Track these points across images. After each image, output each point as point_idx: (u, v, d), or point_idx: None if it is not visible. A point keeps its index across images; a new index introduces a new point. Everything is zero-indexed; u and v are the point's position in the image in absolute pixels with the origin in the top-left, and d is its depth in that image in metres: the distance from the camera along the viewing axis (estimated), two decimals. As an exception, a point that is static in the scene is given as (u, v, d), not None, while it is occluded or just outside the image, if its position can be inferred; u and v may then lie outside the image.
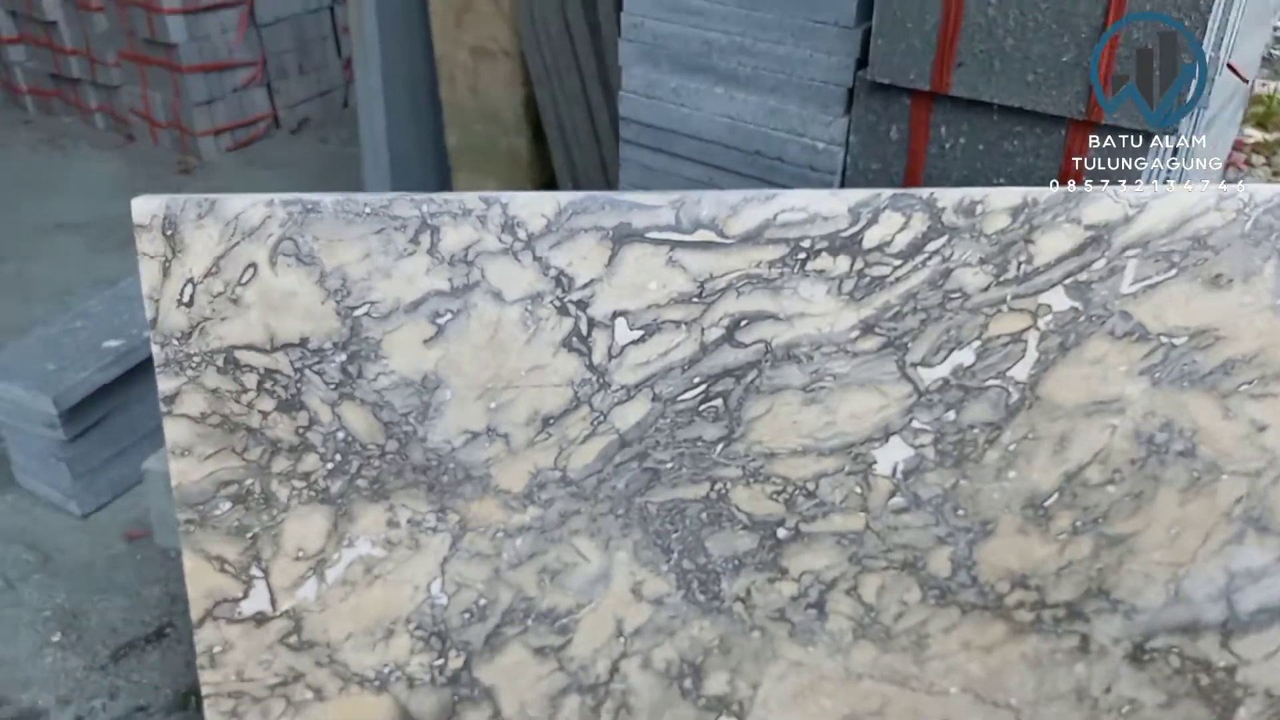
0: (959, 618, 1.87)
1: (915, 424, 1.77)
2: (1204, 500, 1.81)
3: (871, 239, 1.69)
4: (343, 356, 1.71)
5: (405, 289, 1.69)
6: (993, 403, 1.76)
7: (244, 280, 1.68)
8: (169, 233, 1.66)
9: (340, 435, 1.75)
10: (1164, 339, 1.73)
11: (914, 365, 1.74)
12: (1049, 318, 1.72)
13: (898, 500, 1.81)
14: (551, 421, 1.75)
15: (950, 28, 1.84)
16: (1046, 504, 1.81)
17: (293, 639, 1.85)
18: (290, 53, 5.44)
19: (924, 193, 1.68)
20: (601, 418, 1.75)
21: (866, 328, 1.72)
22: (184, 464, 1.77)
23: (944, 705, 1.91)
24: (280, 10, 5.31)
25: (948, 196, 1.68)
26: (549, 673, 1.88)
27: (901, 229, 1.68)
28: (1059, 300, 1.71)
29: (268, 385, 1.73)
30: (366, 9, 3.37)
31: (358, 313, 1.70)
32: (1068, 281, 1.71)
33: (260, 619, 1.84)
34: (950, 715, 1.92)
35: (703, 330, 1.71)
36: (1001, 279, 1.70)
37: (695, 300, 1.70)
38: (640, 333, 1.71)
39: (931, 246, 1.69)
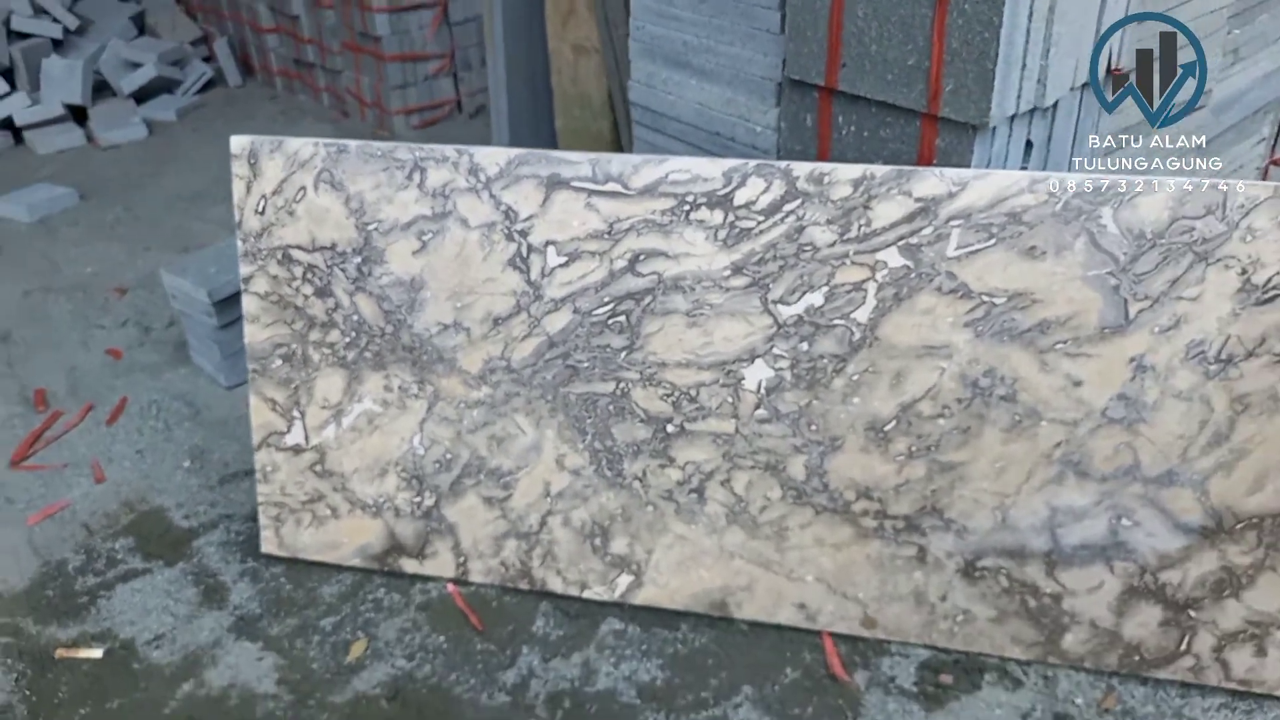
0: (813, 517, 2.30)
1: (775, 350, 2.22)
2: (1025, 442, 2.14)
3: (740, 198, 2.16)
4: (358, 259, 2.40)
5: (401, 212, 2.35)
6: (839, 338, 2.18)
7: (297, 198, 2.40)
8: (252, 161, 2.41)
9: (355, 318, 2.44)
10: (985, 298, 2.09)
11: (774, 302, 2.19)
12: (885, 272, 2.13)
13: (761, 412, 2.26)
14: (500, 321, 2.35)
15: (834, 35, 2.25)
16: (886, 429, 2.21)
17: (318, 467, 2.57)
18: (474, 47, 6.34)
19: (782, 164, 2.13)
20: (536, 322, 2.33)
21: (736, 269, 2.19)
22: (253, 328, 2.52)
23: (801, 590, 2.34)
24: (469, 11, 6.21)
25: (801, 168, 2.13)
26: (494, 518, 2.49)
27: (764, 191, 2.15)
28: (894, 258, 2.12)
29: (309, 276, 2.44)
30: (495, 12, 4.11)
31: (370, 228, 2.37)
32: (900, 243, 2.11)
33: (297, 449, 2.57)
34: (807, 599, 2.35)
35: (611, 260, 2.26)
36: (845, 237, 2.13)
37: (606, 237, 2.25)
38: (565, 259, 2.28)
39: (788, 207, 2.14)
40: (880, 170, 2.10)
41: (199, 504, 2.93)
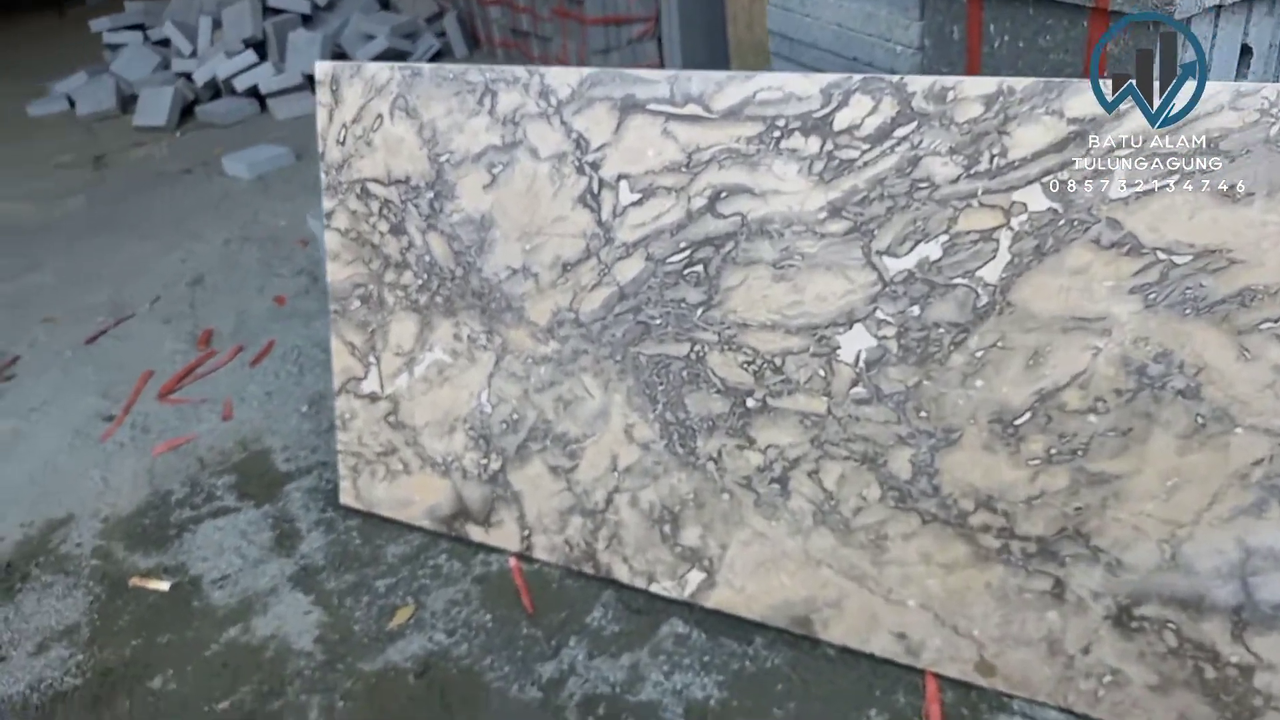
0: (919, 526, 1.85)
1: (879, 314, 1.79)
2: (1211, 454, 1.59)
3: (841, 121, 1.75)
4: (431, 194, 2.20)
5: (472, 142, 2.12)
6: (960, 303, 1.72)
7: (375, 127, 2.24)
8: (334, 88, 2.27)
9: (427, 258, 2.25)
10: (1162, 255, 1.56)
11: (879, 253, 1.76)
12: (1024, 217, 1.64)
13: (859, 390, 1.84)
14: (569, 268, 2.07)
15: (981, -87, 1.75)
16: (1017, 423, 1.72)
17: (392, 418, 2.41)
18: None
19: (895, 77, 1.70)
20: (606, 270, 2.03)
21: (834, 210, 1.78)
22: (334, 266, 2.39)
23: (902, 616, 1.90)
24: (677, -28, 5.97)
25: (919, 82, 1.68)
26: (560, 490, 2.22)
27: (871, 113, 1.72)
28: (1036, 199, 1.63)
29: (385, 212, 2.28)
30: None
31: (441, 159, 2.17)
32: (1046, 180, 1.62)
33: (373, 397, 2.43)
34: (909, 628, 1.90)
35: (689, 199, 1.91)
36: (972, 171, 1.66)
37: (684, 170, 1.90)
38: (639, 195, 1.96)
39: (900, 132, 1.71)
40: (1021, 83, 1.61)
41: (303, 448, 2.88)
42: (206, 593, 2.38)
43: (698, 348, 1.98)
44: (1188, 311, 1.56)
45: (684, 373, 2.01)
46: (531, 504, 2.27)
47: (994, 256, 1.67)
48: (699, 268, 1.93)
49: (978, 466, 1.77)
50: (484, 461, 2.31)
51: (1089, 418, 1.66)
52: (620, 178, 1.97)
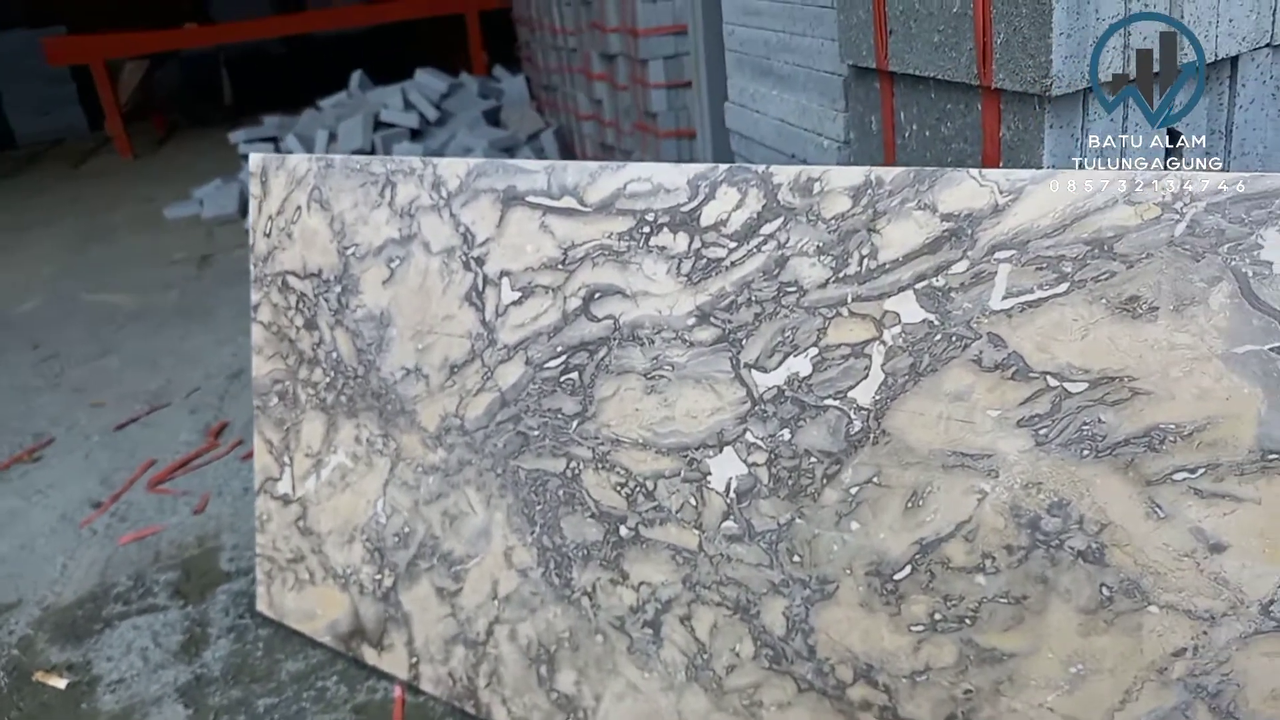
0: (794, 694, 1.55)
1: (749, 436, 1.55)
2: (1121, 637, 1.26)
3: (709, 216, 1.56)
4: (339, 288, 2.12)
5: (374, 235, 2.03)
6: (831, 428, 1.46)
7: (294, 219, 2.19)
8: (263, 179, 2.25)
9: (334, 354, 2.15)
10: (1052, 380, 1.27)
11: (748, 366, 1.54)
12: (896, 329, 1.39)
13: (731, 525, 1.59)
14: (456, 369, 1.93)
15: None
16: (897, 578, 1.43)
17: (301, 523, 2.29)
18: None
19: (760, 167, 1.50)
20: (489, 373, 1.87)
21: (703, 316, 1.58)
22: (258, 361, 2.33)
23: (780, 806, 1.58)
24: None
25: (785, 173, 1.48)
26: (445, 615, 2.02)
27: (737, 206, 1.53)
28: (909, 309, 1.38)
29: (300, 305, 2.21)
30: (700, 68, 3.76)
31: (349, 252, 2.09)
32: (920, 285, 1.37)
33: (286, 500, 2.32)
34: (787, 823, 1.58)
35: (565, 298, 1.74)
36: (841, 274, 1.43)
37: (560, 267, 1.74)
38: (519, 294, 1.81)
39: (767, 229, 1.50)
40: (890, 174, 1.39)
41: (253, 548, 2.79)
42: (98, 696, 2.27)
43: (573, 464, 1.77)
44: (1085, 453, 1.25)
45: (560, 491, 1.80)
46: (420, 628, 2.07)
47: (866, 375, 1.42)
48: (575, 375, 1.75)
49: (856, 628, 1.47)
50: (378, 577, 2.14)
51: (976, 578, 1.35)
52: (503, 274, 1.83)
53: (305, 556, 2.29)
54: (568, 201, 1.72)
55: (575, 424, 1.76)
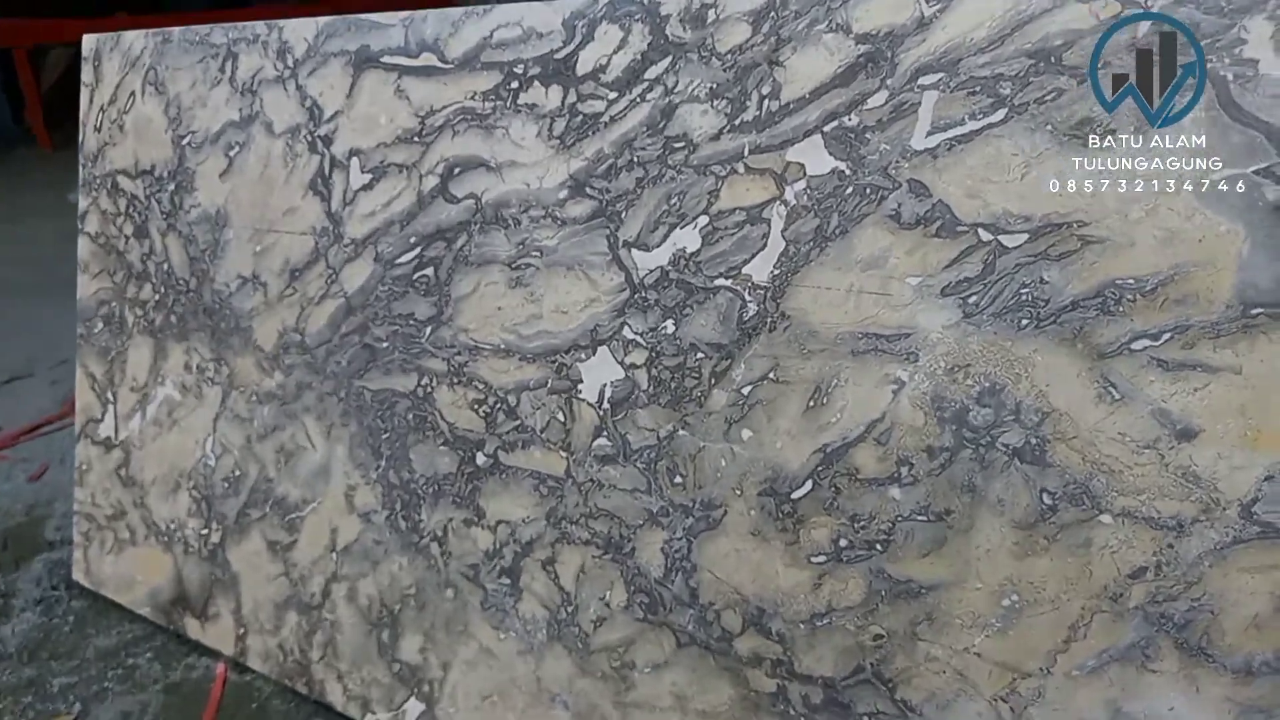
0: (673, 651, 1.31)
1: (627, 331, 1.32)
2: (1066, 558, 1.03)
3: (586, 62, 1.34)
4: (172, 186, 1.87)
5: (212, 119, 1.79)
6: (721, 314, 1.24)
7: (127, 108, 1.94)
8: (96, 64, 2.00)
9: (165, 266, 1.89)
10: (985, 234, 1.06)
11: (627, 245, 1.31)
12: (800, 184, 1.17)
13: (603, 443, 1.35)
14: (297, 274, 1.68)
15: None
16: (795, 496, 1.20)
17: (122, 471, 2.01)
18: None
19: (645, -4, 1.28)
20: (334, 276, 1.63)
21: (577, 186, 1.35)
22: (83, 280, 2.06)
23: (653, 794, 1.33)
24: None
25: (674, 1, 1.26)
26: (277, 575, 1.75)
27: (619, 48, 1.31)
28: (816, 157, 1.16)
29: (131, 211, 1.95)
30: None
31: (184, 142, 1.84)
32: (829, 127, 1.15)
33: (108, 444, 2.04)
34: (661, 815, 1.33)
35: (420, 177, 1.51)
36: (738, 121, 1.21)
37: (416, 140, 1.51)
38: (369, 176, 1.57)
39: (652, 72, 1.28)
40: (798, -9, 1.17)
41: (84, 518, 2.50)
42: None
43: (425, 380, 1.53)
44: (1024, 323, 1.04)
45: (410, 415, 1.55)
46: (249, 591, 1.80)
47: (764, 245, 1.20)
48: (429, 271, 1.51)
49: (746, 563, 1.24)
50: (204, 531, 1.87)
51: (890, 491, 1.13)
52: (352, 154, 1.59)
53: (126, 512, 2.01)
54: (426, 59, 1.49)
55: (429, 331, 1.52)
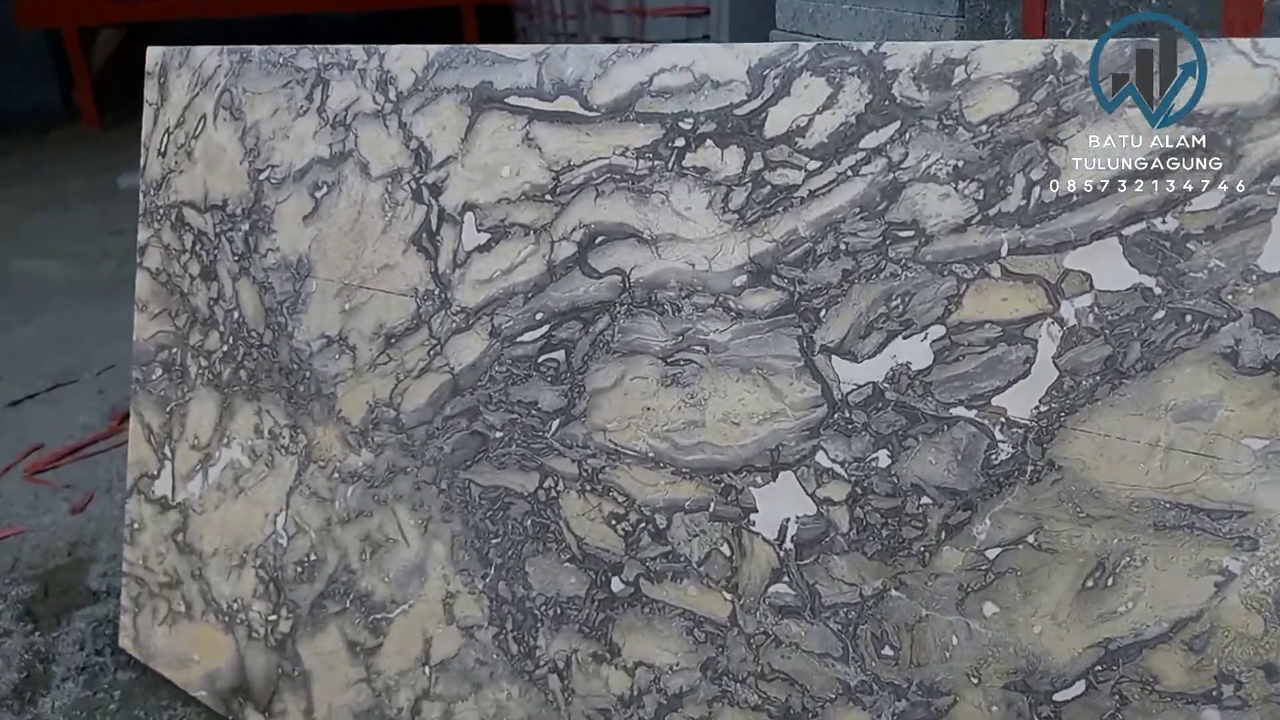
0: None
1: (823, 458, 1.02)
2: None
3: (778, 122, 1.03)
4: (246, 225, 1.58)
5: (296, 153, 1.50)
6: (960, 451, 0.94)
7: (196, 132, 1.65)
8: (162, 80, 1.71)
9: (236, 314, 1.61)
10: (1372, 394, 0.75)
11: (827, 351, 1.01)
12: (1085, 300, 0.87)
13: (783, 590, 1.06)
14: (394, 340, 1.39)
15: None
16: (1059, 698, 0.90)
17: (180, 537, 1.73)
18: None
19: (865, 45, 0.98)
20: (438, 347, 1.33)
21: (760, 272, 1.05)
22: (141, 319, 1.78)
23: None
24: None
25: (906, 53, 0.96)
26: (357, 680, 1.47)
27: (824, 107, 1.00)
28: (1111, 268, 0.86)
29: (198, 248, 1.66)
30: None
31: (262, 176, 1.55)
32: (1132, 230, 0.85)
33: (164, 504, 1.76)
34: None
35: (553, 244, 1.21)
36: (993, 212, 0.91)
37: (548, 199, 1.21)
38: (487, 235, 1.27)
39: (871, 141, 0.98)
40: (1086, 49, 0.87)
41: (132, 563, 2.23)
42: (-113, 752, 1.70)
43: (550, 482, 1.24)
44: None
45: (529, 521, 1.26)
46: (323, 694, 1.52)
47: (1027, 372, 0.90)
48: (559, 354, 1.22)
49: (979, 768, 0.94)
50: (273, 618, 1.59)
51: (1205, 713, 0.83)
52: (466, 208, 1.29)
53: (183, 581, 1.73)
54: (565, 103, 1.19)
55: (556, 425, 1.22)
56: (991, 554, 0.92)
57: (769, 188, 1.04)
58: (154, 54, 1.73)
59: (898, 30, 1.59)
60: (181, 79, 1.68)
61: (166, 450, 1.75)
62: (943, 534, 0.95)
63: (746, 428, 1.07)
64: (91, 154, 7.93)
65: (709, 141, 1.08)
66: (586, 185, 1.18)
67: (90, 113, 8.82)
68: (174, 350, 1.72)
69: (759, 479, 1.06)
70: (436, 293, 1.33)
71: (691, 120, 1.09)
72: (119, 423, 3.09)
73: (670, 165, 1.11)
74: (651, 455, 1.14)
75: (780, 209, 1.03)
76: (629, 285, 1.15)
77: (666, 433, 1.13)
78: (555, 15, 7.37)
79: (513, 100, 1.24)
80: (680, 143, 1.10)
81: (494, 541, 1.30)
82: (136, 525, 1.82)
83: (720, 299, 1.08)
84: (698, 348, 1.10)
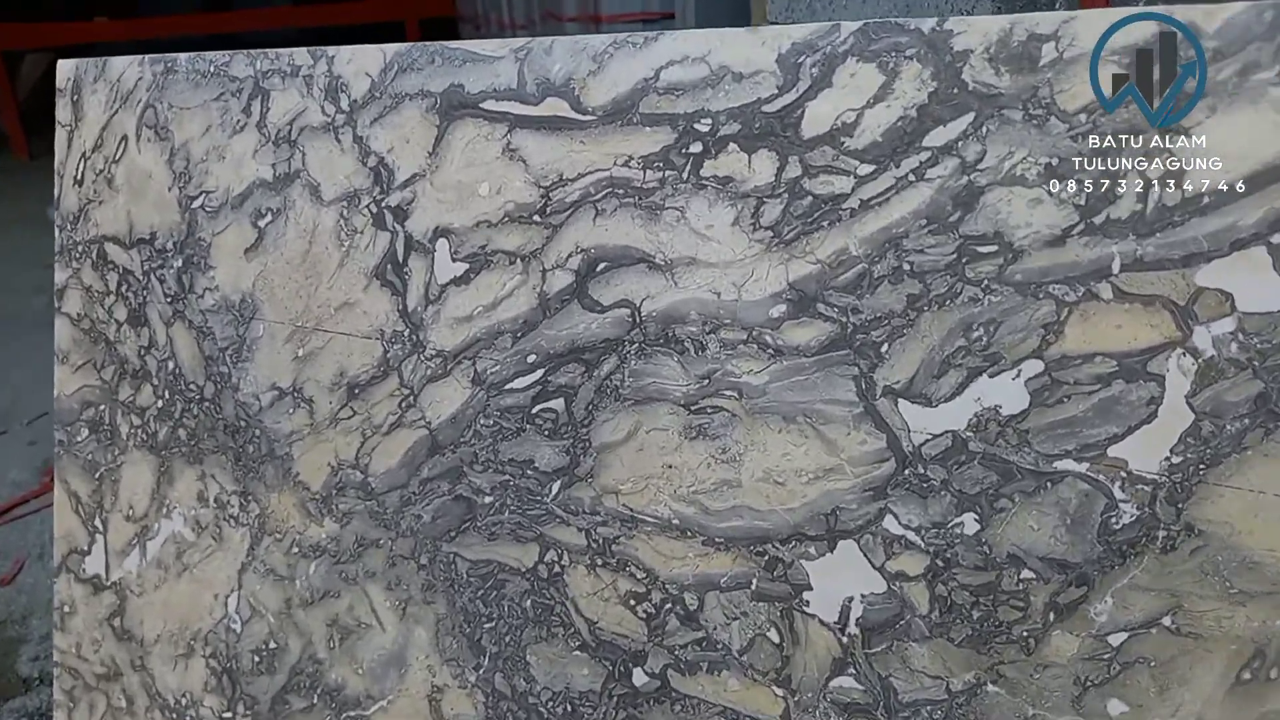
0: None
1: (893, 524, 0.85)
2: None
3: (818, 119, 0.86)
4: (179, 261, 1.37)
5: (234, 176, 1.30)
6: (1068, 515, 0.77)
7: (118, 156, 1.44)
8: (75, 97, 1.50)
9: (171, 365, 1.40)
10: None
11: (891, 394, 0.84)
12: (1225, 326, 0.71)
13: (848, 684, 0.88)
14: (357, 392, 1.19)
15: None
16: (1206, 815, 0.73)
17: (116, 622, 1.52)
18: None
19: (926, 22, 0.81)
20: (411, 398, 1.14)
21: (802, 300, 0.88)
22: (63, 372, 1.57)
23: None
24: None
25: (978, 29, 0.79)
26: (330, 787, 1.27)
27: (877, 99, 0.83)
28: (1258, 285, 0.70)
29: (124, 290, 1.45)
30: None
31: (195, 204, 1.35)
32: (1287, 236, 0.69)
33: (96, 585, 1.54)
34: None
35: (544, 273, 1.03)
36: (1100, 219, 0.75)
37: (536, 220, 1.03)
38: (465, 265, 1.09)
39: (937, 137, 0.81)
40: (1232, 9, 0.71)
41: (68, 642, 1.99)
42: None
43: (552, 555, 1.05)
44: None
45: (528, 602, 1.08)
46: (290, 801, 1.31)
47: (1152, 416, 0.73)
48: (557, 403, 1.03)
49: None
50: (228, 715, 1.38)
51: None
52: (438, 234, 1.11)
53: (123, 673, 1.52)
54: (553, 106, 1.01)
55: (557, 488, 1.04)
56: (1115, 640, 0.76)
57: (810, 198, 0.87)
58: (65, 68, 1.52)
59: (917, 13, 1.43)
60: (98, 95, 1.47)
61: (97, 522, 1.54)
62: (1051, 615, 0.78)
63: (794, 488, 0.89)
64: (21, 184, 7.58)
65: (732, 145, 0.90)
66: (583, 202, 1.00)
67: (18, 141, 8.46)
68: (101, 407, 1.51)
69: (812, 549, 0.89)
70: (407, 334, 1.14)
71: (709, 121, 0.92)
72: (52, 478, 2.84)
73: (685, 176, 0.93)
74: (676, 522, 0.96)
75: (825, 224, 0.86)
76: (640, 320, 0.97)
77: (694, 495, 0.95)
78: (504, 25, 7.19)
79: (489, 105, 1.06)
80: (696, 148, 0.92)
81: (487, 626, 1.11)
82: (67, 608, 1.59)
83: (754, 334, 0.90)
84: (728, 392, 0.92)
